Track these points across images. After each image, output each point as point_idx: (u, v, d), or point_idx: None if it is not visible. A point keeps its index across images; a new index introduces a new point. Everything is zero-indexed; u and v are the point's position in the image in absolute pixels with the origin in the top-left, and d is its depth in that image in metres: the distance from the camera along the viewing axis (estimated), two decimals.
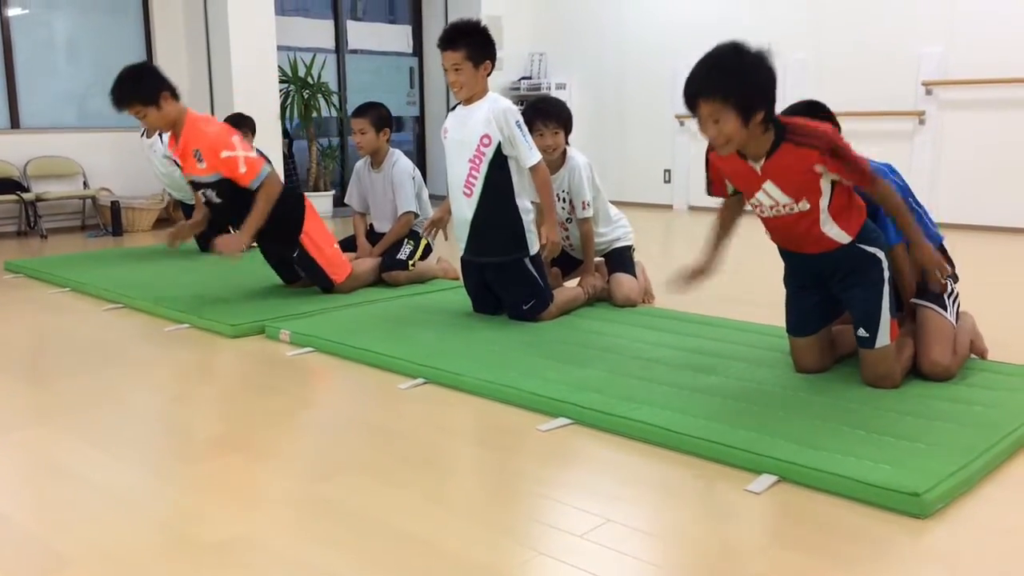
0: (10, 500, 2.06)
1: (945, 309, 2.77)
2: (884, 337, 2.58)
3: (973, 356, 2.91)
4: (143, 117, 3.76)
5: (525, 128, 3.44)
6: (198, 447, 2.39)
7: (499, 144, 3.42)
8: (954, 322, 2.78)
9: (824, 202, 2.53)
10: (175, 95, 3.79)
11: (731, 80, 2.38)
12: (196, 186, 3.99)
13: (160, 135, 5.46)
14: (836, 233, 2.58)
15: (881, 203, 2.58)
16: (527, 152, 3.43)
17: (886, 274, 2.60)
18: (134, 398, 2.88)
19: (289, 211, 3.99)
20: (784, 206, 2.56)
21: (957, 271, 2.93)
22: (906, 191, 2.78)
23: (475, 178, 3.46)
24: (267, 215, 3.80)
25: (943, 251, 2.90)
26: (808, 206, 2.53)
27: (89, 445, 2.41)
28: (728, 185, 2.74)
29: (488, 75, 3.47)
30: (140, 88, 3.71)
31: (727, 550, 1.76)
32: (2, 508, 2.00)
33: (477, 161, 3.44)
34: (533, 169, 3.45)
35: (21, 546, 1.82)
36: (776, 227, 2.67)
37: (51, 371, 3.21)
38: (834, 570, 1.68)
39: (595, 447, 2.34)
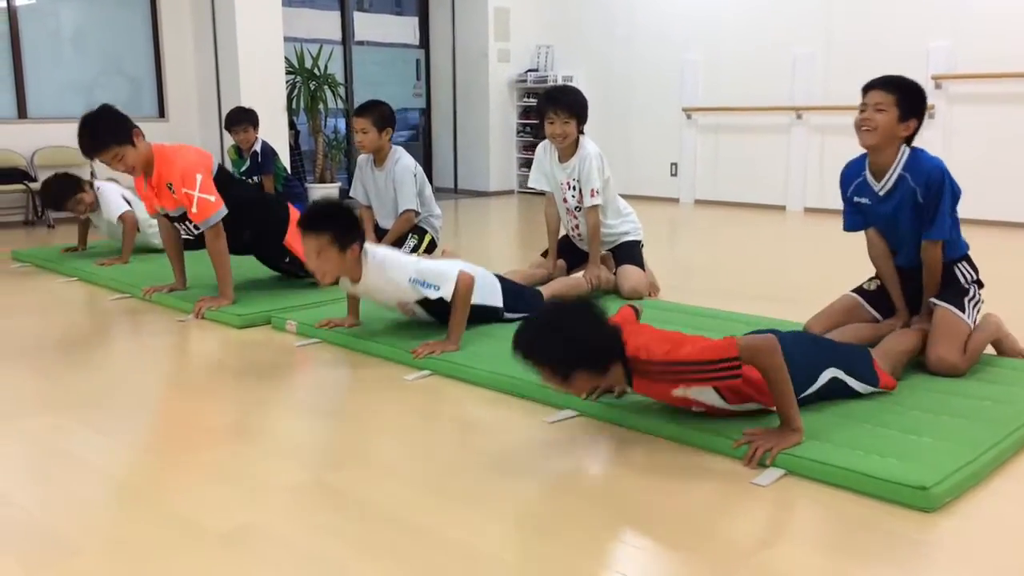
0: (19, 488, 2.07)
1: (963, 311, 2.77)
2: (876, 386, 2.48)
3: (991, 351, 2.89)
4: (120, 160, 3.57)
5: (424, 269, 3.06)
6: (206, 436, 2.40)
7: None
8: (971, 325, 2.77)
9: (718, 403, 2.25)
10: (141, 132, 3.65)
11: (557, 352, 2.13)
12: (170, 219, 3.89)
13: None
14: (753, 404, 2.28)
15: (764, 376, 2.13)
16: (434, 293, 3.03)
17: (846, 379, 2.40)
18: (142, 387, 2.89)
19: (270, 219, 3.96)
20: (692, 409, 2.32)
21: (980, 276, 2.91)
22: (953, 185, 2.78)
23: (423, 312, 3.23)
24: (228, 269, 3.73)
25: (968, 260, 2.89)
26: (703, 409, 2.29)
27: (97, 434, 2.41)
28: None
29: (356, 257, 3.02)
30: (115, 129, 3.55)
31: (733, 543, 1.76)
32: (11, 496, 2.01)
33: (412, 307, 3.20)
34: (453, 293, 3.04)
35: (30, 534, 1.83)
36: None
37: (58, 360, 3.21)
38: (841, 563, 1.68)
39: (601, 439, 2.34)
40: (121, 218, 4.96)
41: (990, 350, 2.89)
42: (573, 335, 2.12)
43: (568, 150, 3.85)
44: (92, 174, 7.32)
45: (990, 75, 6.56)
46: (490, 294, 3.33)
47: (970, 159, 6.71)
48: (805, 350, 2.37)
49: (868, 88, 2.82)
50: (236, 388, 2.87)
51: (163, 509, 1.93)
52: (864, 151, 2.89)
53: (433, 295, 3.04)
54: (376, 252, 3.11)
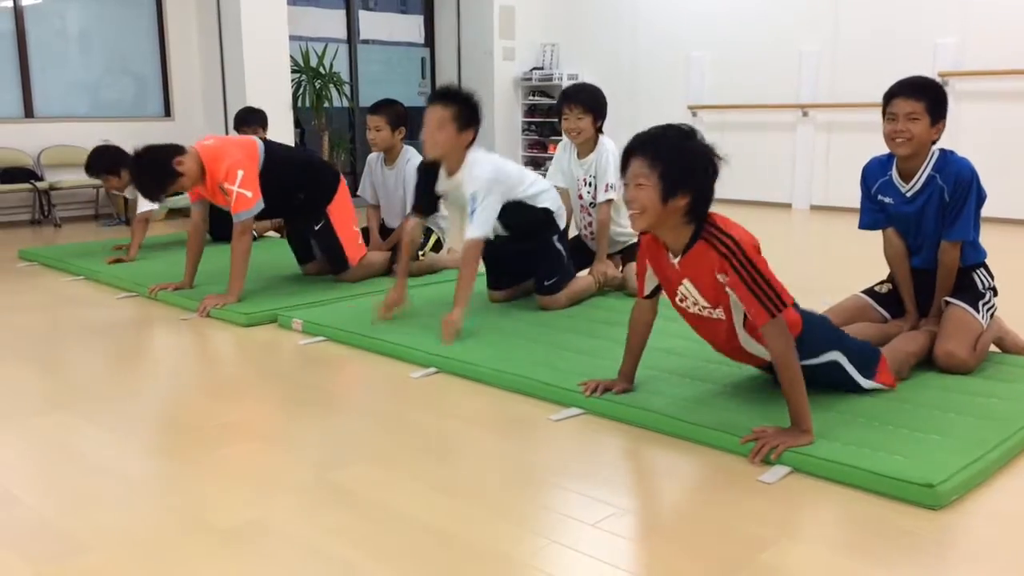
0: (27, 485, 2.08)
1: (977, 312, 2.76)
2: (874, 383, 2.47)
3: (995, 349, 2.89)
4: (180, 188, 3.78)
5: (485, 198, 3.20)
6: (212, 434, 2.40)
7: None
8: (983, 324, 2.75)
9: (738, 319, 2.28)
10: (181, 150, 3.71)
11: (665, 149, 2.21)
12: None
13: None
14: (758, 350, 2.33)
15: (775, 364, 2.19)
16: (468, 221, 3.21)
17: (846, 365, 2.40)
18: (148, 385, 2.89)
19: (321, 181, 4.15)
20: (704, 308, 2.33)
21: (996, 284, 2.89)
22: (980, 188, 2.77)
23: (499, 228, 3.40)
24: (244, 269, 3.77)
25: (986, 267, 2.87)
26: (723, 316, 2.30)
27: (104, 431, 2.42)
28: (647, 283, 2.46)
29: (468, 146, 3.26)
30: (159, 178, 3.67)
31: (739, 541, 1.76)
32: (19, 493, 2.01)
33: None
34: (466, 241, 3.21)
35: (37, 531, 1.84)
36: (697, 327, 2.43)
37: (65, 359, 3.22)
38: (847, 561, 1.68)
39: (607, 436, 2.34)
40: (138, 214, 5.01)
41: (993, 348, 2.88)
42: (709, 161, 2.21)
43: (586, 147, 3.90)
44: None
45: (997, 72, 6.53)
46: (559, 211, 3.57)
47: (977, 156, 6.60)
48: (819, 323, 2.40)
49: (893, 96, 2.77)
50: (242, 386, 2.87)
51: (170, 506, 1.94)
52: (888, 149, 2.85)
53: (468, 221, 3.21)
54: (480, 150, 3.32)
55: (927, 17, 6.84)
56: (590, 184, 3.92)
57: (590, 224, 4.01)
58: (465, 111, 3.22)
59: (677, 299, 2.37)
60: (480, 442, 2.36)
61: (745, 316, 2.25)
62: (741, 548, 1.72)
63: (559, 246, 3.59)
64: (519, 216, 3.43)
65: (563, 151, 4.07)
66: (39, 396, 2.77)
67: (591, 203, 3.96)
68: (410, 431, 2.41)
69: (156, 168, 3.68)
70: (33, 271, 4.96)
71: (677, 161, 2.17)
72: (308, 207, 4.13)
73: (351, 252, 4.23)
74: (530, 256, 3.60)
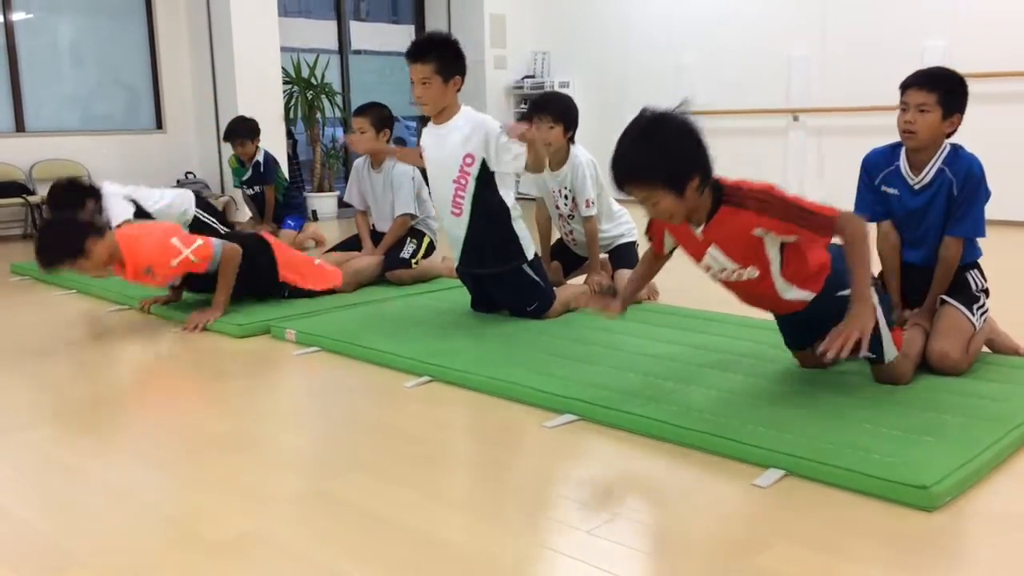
0: (18, 498, 2.07)
1: (971, 313, 2.75)
2: (891, 352, 2.51)
3: (986, 350, 2.89)
4: (81, 271, 3.51)
5: (501, 135, 3.28)
6: (204, 445, 2.39)
7: (483, 161, 3.32)
8: (976, 327, 2.75)
9: (774, 269, 2.37)
10: (99, 231, 3.52)
11: (653, 162, 2.21)
12: (173, 288, 3.96)
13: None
14: (797, 295, 2.44)
15: (846, 250, 2.28)
16: (516, 150, 3.26)
17: (876, 304, 2.38)
18: (140, 398, 2.89)
19: (259, 264, 3.87)
20: (733, 272, 2.41)
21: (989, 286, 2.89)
22: (987, 186, 2.80)
23: (462, 197, 3.38)
24: (232, 281, 3.69)
25: (979, 268, 2.87)
26: (757, 273, 2.38)
27: (96, 444, 2.41)
28: (667, 243, 2.58)
29: (458, 91, 3.34)
30: (63, 246, 3.44)
31: (734, 545, 1.76)
32: (10, 506, 2.00)
33: (463, 181, 3.35)
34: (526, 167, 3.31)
35: (29, 545, 1.83)
36: (734, 290, 2.53)
37: (57, 372, 3.21)
38: (841, 564, 1.68)
39: (601, 443, 2.33)
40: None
41: (984, 348, 2.88)
42: (689, 134, 2.22)
43: (558, 157, 3.82)
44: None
45: (985, 74, 6.55)
46: (525, 239, 3.48)
47: None
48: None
49: (907, 85, 2.75)
50: (235, 397, 2.87)
51: (161, 517, 1.93)
52: (890, 139, 2.84)
53: (515, 149, 3.24)
54: (473, 110, 3.40)
55: (915, 20, 6.88)
56: (566, 196, 3.87)
57: (571, 232, 4.00)
58: (444, 60, 3.22)
59: (703, 268, 2.47)
60: (474, 450, 2.36)
61: (782, 264, 2.36)
62: (736, 552, 1.72)
63: (531, 274, 3.48)
64: (494, 224, 3.40)
65: None
66: (31, 409, 2.76)
67: (570, 215, 3.93)
68: (404, 440, 2.41)
69: (64, 238, 3.45)
70: (25, 285, 4.94)
71: (669, 161, 2.20)
72: (261, 288, 3.91)
73: (327, 285, 4.08)
74: (505, 286, 3.52)
